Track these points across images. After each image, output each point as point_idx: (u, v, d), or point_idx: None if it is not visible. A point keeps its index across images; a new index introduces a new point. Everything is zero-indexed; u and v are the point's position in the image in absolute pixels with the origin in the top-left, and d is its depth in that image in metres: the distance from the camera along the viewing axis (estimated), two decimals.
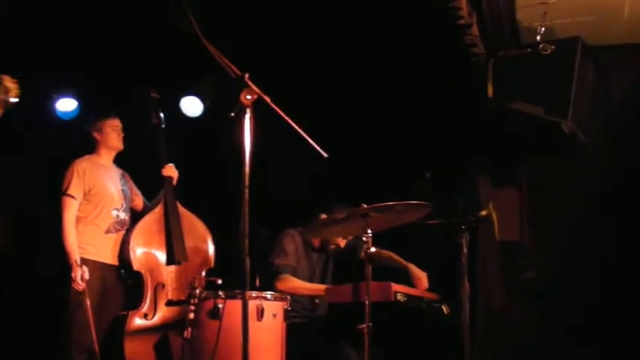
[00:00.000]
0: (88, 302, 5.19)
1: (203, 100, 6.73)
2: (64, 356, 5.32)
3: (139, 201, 6.00)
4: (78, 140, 5.96)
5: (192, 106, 6.73)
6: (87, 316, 5.21)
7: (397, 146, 6.48)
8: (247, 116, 3.27)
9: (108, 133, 5.79)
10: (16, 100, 3.20)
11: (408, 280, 5.46)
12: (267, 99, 3.35)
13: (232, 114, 3.30)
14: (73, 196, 5.50)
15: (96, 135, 5.80)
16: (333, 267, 5.87)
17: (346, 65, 6.20)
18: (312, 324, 5.43)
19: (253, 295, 4.50)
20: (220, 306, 4.45)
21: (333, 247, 5.78)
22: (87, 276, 5.29)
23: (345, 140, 5.98)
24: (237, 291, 4.43)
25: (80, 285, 5.25)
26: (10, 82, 3.21)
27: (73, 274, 5.27)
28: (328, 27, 5.86)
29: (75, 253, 5.36)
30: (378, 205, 4.50)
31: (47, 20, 5.98)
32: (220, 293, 4.48)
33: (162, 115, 5.99)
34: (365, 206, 4.53)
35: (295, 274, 5.51)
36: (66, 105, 6.75)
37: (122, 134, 5.84)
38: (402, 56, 6.01)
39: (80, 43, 6.20)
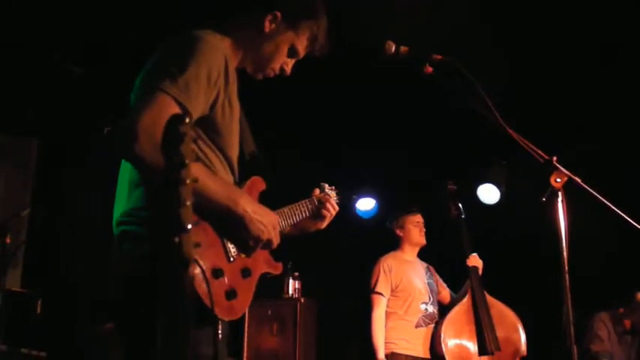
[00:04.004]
0: None
1: (499, 187, 6.70)
2: None
3: (446, 293, 6.01)
4: (380, 237, 6.13)
5: (489, 193, 6.72)
6: None
7: None
8: (559, 200, 3.18)
9: (410, 230, 5.92)
10: None
11: None
12: (578, 180, 3.25)
13: (543, 199, 3.23)
14: (381, 294, 5.66)
15: (398, 232, 5.96)
16: None
17: None
18: None
19: None
20: None
21: None
22: None
23: None
24: None
25: None
26: None
27: None
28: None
29: (380, 350, 5.50)
30: None
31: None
32: None
33: (460, 205, 6.01)
34: None
35: None
36: (366, 204, 7.01)
37: (424, 229, 5.93)
38: None
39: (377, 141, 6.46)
